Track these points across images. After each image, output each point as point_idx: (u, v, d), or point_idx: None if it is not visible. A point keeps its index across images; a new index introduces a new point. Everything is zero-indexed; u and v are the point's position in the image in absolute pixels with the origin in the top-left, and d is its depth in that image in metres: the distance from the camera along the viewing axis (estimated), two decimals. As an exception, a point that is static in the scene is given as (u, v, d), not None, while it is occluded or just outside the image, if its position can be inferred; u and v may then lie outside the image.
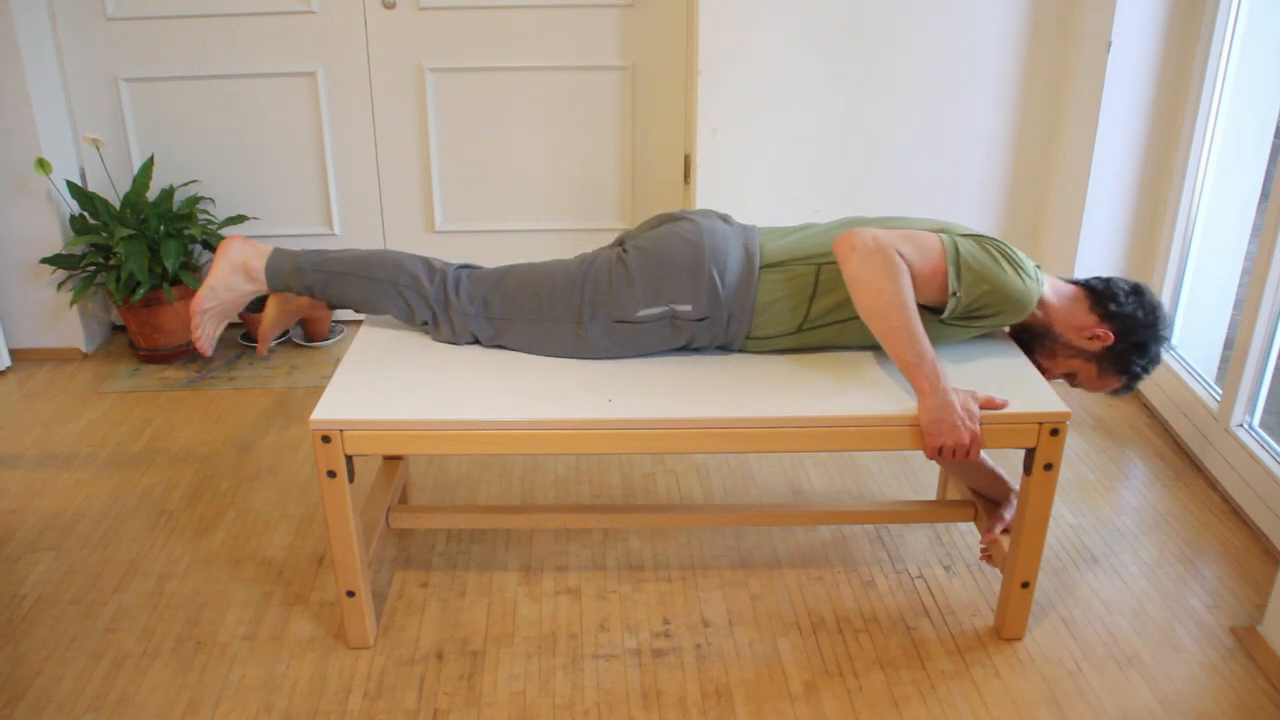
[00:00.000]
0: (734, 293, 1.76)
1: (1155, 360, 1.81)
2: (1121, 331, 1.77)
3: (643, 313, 1.76)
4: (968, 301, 1.70)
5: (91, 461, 2.48)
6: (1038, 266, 1.80)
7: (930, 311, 1.75)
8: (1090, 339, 1.79)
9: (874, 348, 1.85)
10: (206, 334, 1.95)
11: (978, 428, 1.63)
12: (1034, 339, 1.86)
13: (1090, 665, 1.82)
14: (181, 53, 2.94)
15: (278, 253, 1.89)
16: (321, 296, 1.88)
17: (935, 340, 1.71)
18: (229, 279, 1.89)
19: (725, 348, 1.86)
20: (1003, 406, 1.66)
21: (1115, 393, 1.85)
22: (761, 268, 1.77)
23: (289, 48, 2.95)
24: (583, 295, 1.77)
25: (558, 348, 1.82)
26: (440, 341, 1.88)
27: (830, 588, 2.03)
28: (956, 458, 1.64)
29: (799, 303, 1.78)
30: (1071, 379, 1.86)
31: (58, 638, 1.88)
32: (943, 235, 1.71)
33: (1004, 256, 1.70)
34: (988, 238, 1.74)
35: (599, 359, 1.82)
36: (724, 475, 2.42)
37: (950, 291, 1.69)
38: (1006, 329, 1.95)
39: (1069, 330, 1.81)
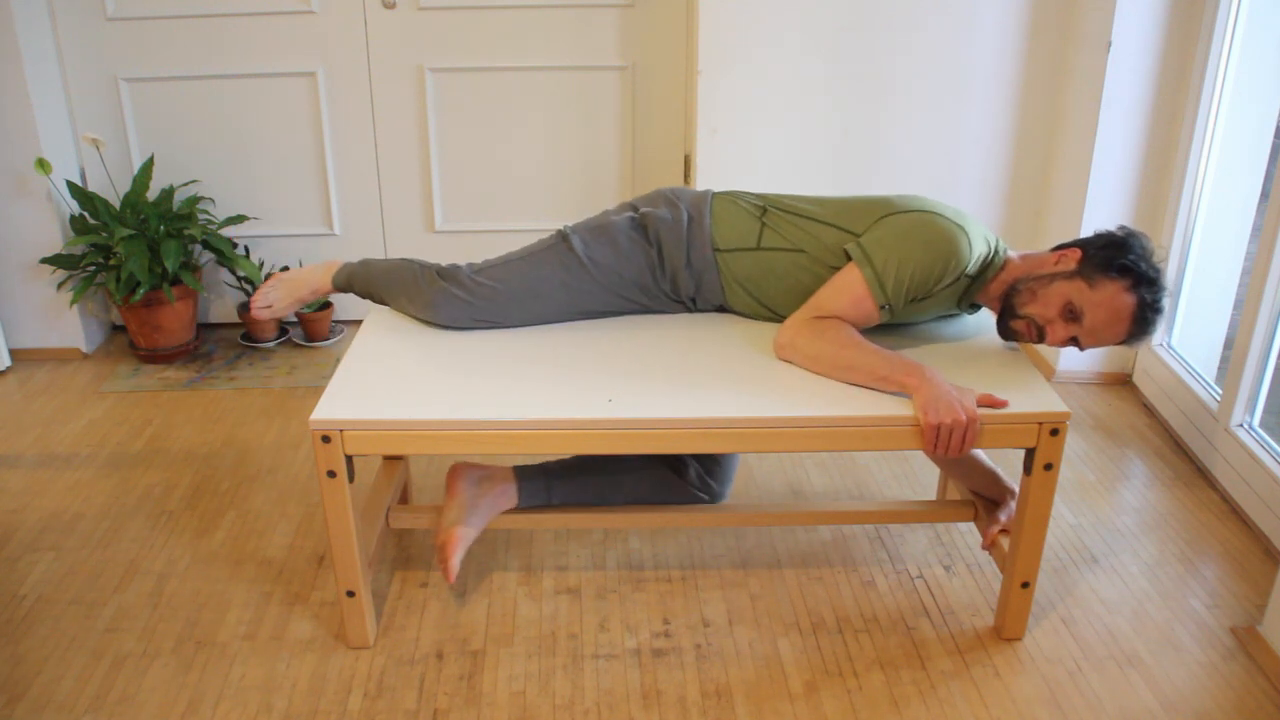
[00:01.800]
0: (690, 201, 1.94)
1: (1143, 254, 1.67)
2: (1085, 244, 1.72)
3: (614, 218, 1.94)
4: (907, 293, 1.74)
5: (91, 461, 2.48)
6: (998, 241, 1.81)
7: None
8: (1057, 262, 1.73)
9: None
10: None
11: (975, 410, 1.62)
12: (1014, 296, 1.75)
13: (1090, 665, 1.82)
14: (181, 53, 2.94)
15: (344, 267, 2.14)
16: (362, 290, 2.10)
17: (921, 319, 1.88)
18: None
19: (698, 270, 1.91)
20: (1003, 406, 1.65)
21: (1139, 320, 1.65)
22: (713, 195, 1.96)
23: (289, 48, 2.95)
24: (564, 229, 1.96)
25: (546, 279, 1.92)
26: (439, 322, 1.95)
27: (830, 588, 2.03)
28: (954, 443, 1.61)
29: (751, 220, 1.90)
30: (1077, 322, 1.68)
31: (58, 638, 1.88)
32: (877, 289, 1.73)
33: (924, 225, 1.73)
34: (929, 213, 1.74)
35: (581, 287, 1.92)
36: (724, 475, 2.42)
37: (879, 306, 1.75)
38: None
39: (1035, 269, 1.75)
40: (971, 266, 1.74)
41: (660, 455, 1.96)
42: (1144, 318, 1.66)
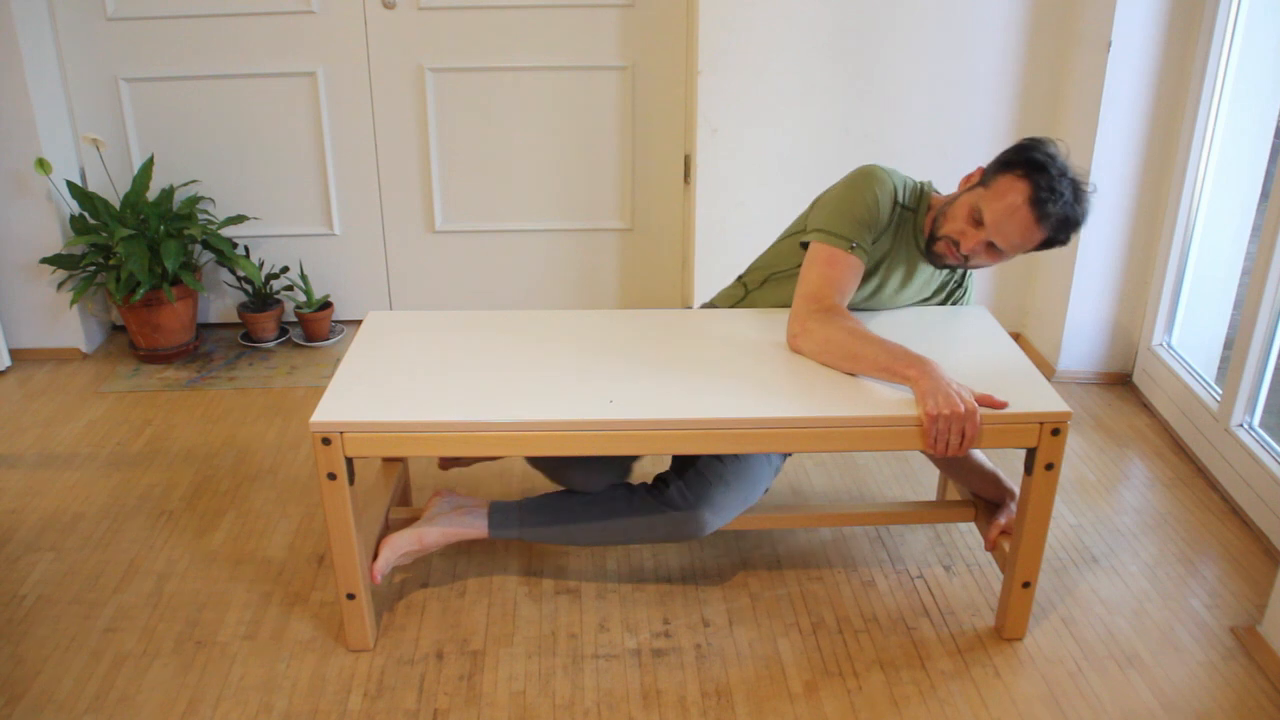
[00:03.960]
0: None
1: (1034, 147, 1.70)
2: (987, 164, 1.80)
3: None
4: (861, 225, 1.80)
5: (91, 461, 2.48)
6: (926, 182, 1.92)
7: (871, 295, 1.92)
8: (966, 182, 1.83)
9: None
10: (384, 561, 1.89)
11: (974, 405, 1.61)
12: (936, 229, 1.82)
13: (1090, 665, 1.82)
14: (181, 53, 2.94)
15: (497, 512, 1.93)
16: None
17: (911, 293, 1.94)
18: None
19: None
20: (1002, 407, 1.65)
21: (1037, 204, 1.66)
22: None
23: (289, 48, 2.95)
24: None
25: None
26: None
27: (830, 588, 2.03)
28: (953, 438, 1.60)
29: (736, 288, 2.08)
30: (982, 225, 1.72)
31: (58, 638, 1.88)
32: (837, 238, 1.80)
33: (845, 178, 1.87)
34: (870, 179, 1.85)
35: None
36: (724, 475, 2.42)
37: (850, 249, 1.79)
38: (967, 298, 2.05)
39: (952, 195, 1.84)
40: (902, 194, 1.85)
41: (634, 493, 1.89)
42: (1039, 200, 1.67)
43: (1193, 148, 2.58)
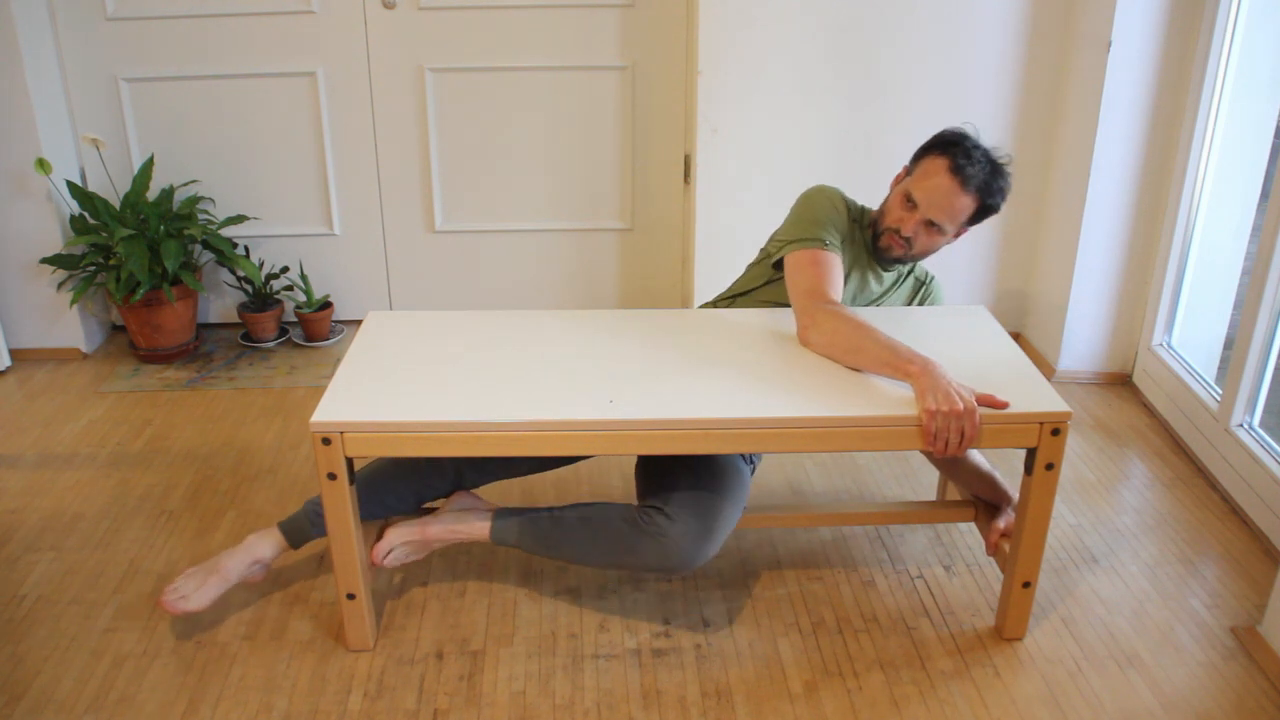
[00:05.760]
0: None
1: (950, 129, 1.86)
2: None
3: None
4: (824, 225, 1.90)
5: (91, 461, 2.48)
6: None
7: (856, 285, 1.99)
8: (892, 184, 1.95)
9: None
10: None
11: (974, 402, 1.61)
12: (878, 227, 1.94)
13: (1090, 665, 1.82)
14: (181, 53, 2.94)
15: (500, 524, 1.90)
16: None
17: (884, 291, 2.02)
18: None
19: None
20: (1003, 407, 1.65)
21: (957, 172, 1.80)
22: None
23: (289, 48, 2.95)
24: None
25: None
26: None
27: (830, 588, 2.03)
28: (952, 436, 1.60)
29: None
30: (916, 206, 1.85)
31: (58, 638, 1.88)
32: (808, 241, 1.90)
33: (799, 197, 1.99)
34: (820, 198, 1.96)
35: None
36: (724, 475, 2.42)
37: (823, 246, 1.88)
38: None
39: (883, 201, 1.96)
40: (849, 207, 1.98)
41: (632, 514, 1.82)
42: (959, 167, 1.80)
43: (1193, 148, 2.58)
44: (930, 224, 1.85)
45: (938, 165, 1.82)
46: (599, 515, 1.83)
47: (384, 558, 1.84)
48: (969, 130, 1.86)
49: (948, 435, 1.61)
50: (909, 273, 2.07)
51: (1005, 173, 1.85)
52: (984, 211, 1.86)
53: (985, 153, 1.84)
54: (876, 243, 1.94)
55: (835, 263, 1.87)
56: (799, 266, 1.87)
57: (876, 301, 2.04)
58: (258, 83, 2.99)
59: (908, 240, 1.88)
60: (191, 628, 1.90)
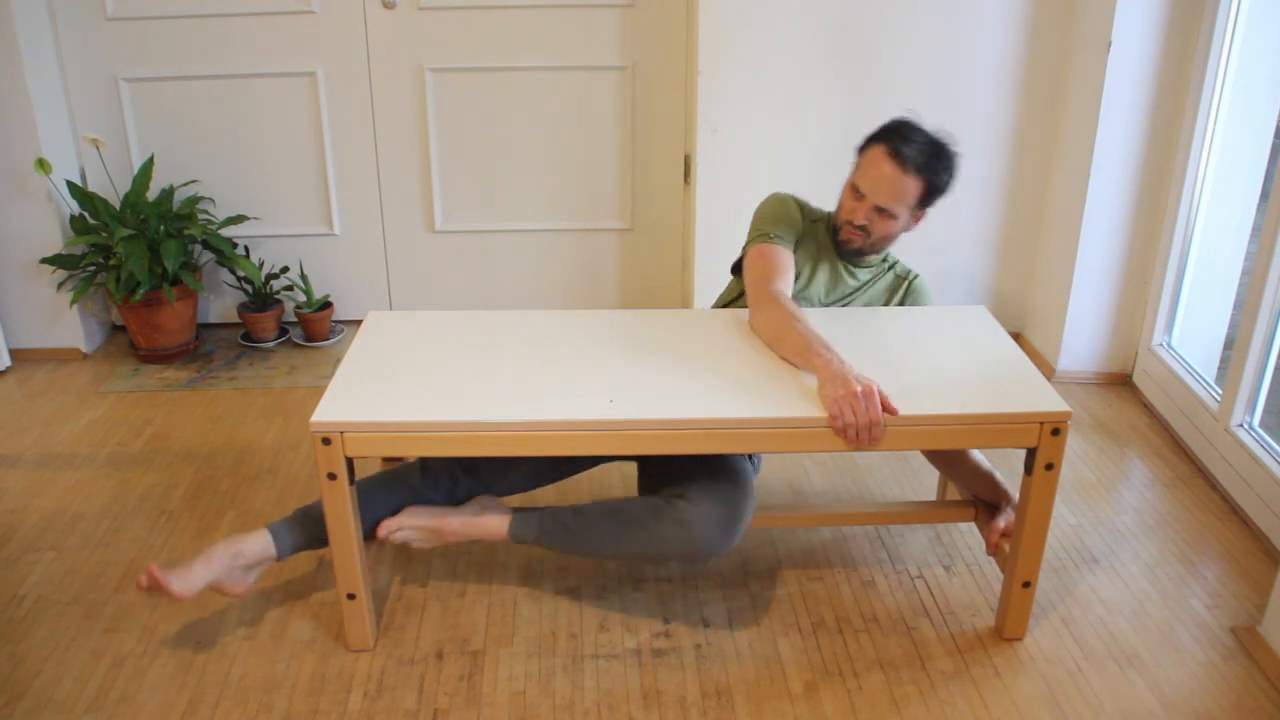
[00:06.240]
0: None
1: (889, 121, 1.92)
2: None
3: None
4: (776, 222, 1.99)
5: (91, 461, 2.48)
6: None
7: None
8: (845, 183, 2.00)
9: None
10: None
11: (871, 385, 1.62)
12: (836, 222, 2.00)
13: (1090, 665, 1.82)
14: (181, 53, 2.94)
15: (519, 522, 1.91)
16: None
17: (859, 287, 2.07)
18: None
19: None
20: (895, 412, 1.63)
21: (897, 156, 1.85)
22: None
23: (289, 48, 2.95)
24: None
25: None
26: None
27: (830, 588, 2.03)
28: (859, 417, 1.60)
29: None
30: (864, 195, 1.90)
31: (58, 638, 1.88)
32: (757, 239, 2.00)
33: (761, 202, 2.07)
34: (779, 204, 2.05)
35: None
36: (724, 475, 2.42)
37: (771, 240, 1.97)
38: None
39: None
40: (804, 204, 2.06)
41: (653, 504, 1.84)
42: (896, 150, 1.85)
43: (1193, 148, 2.58)
44: (880, 210, 1.90)
45: (878, 153, 1.88)
46: (622, 506, 1.86)
47: (392, 533, 1.85)
48: (908, 117, 1.92)
49: (853, 419, 1.61)
50: (888, 269, 2.09)
51: (948, 152, 1.89)
52: (933, 191, 1.90)
53: (925, 134, 1.89)
54: (838, 239, 2.01)
55: (781, 254, 1.96)
56: (750, 262, 1.98)
57: (853, 295, 2.08)
58: (258, 83, 2.99)
59: (863, 229, 1.93)
60: (191, 628, 1.90)
